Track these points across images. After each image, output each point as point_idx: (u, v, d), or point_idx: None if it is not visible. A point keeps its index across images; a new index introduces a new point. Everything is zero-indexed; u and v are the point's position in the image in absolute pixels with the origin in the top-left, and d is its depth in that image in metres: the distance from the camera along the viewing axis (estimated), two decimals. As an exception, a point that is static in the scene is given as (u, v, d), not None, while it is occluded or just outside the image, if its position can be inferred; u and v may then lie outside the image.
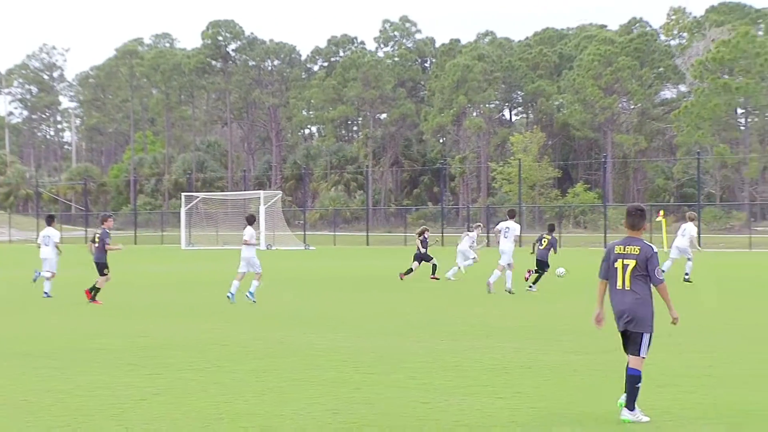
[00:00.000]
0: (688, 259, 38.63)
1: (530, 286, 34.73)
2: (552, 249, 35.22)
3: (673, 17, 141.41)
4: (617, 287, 12.96)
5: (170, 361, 18.21)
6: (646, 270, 12.85)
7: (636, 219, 13.17)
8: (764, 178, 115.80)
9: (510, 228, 33.53)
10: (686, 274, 38.36)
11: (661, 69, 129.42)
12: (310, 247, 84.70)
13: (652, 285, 12.90)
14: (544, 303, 30.43)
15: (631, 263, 12.87)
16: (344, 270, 50.02)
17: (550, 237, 35.38)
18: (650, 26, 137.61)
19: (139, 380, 16.04)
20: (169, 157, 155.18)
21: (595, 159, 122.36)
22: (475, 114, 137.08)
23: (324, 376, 16.40)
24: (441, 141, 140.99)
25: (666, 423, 12.75)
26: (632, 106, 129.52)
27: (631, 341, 12.89)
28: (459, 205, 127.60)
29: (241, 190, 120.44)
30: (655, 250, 12.92)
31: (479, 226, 45.79)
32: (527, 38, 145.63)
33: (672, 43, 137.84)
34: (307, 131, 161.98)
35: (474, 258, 41.99)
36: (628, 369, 12.82)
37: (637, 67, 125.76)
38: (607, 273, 13.08)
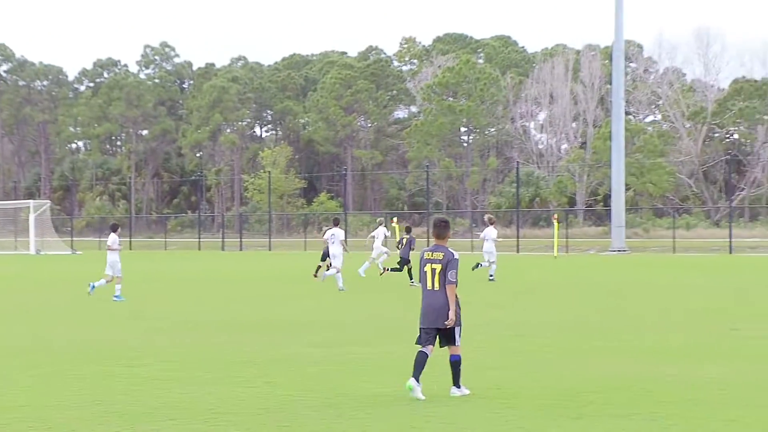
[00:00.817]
0: (492, 262, 38.67)
1: (411, 282, 35.14)
2: (410, 247, 36.81)
3: (405, 46, 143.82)
4: (428, 288, 13.36)
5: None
6: (447, 272, 13.28)
7: (441, 229, 13.62)
8: (484, 188, 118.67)
9: (335, 234, 34.46)
10: (490, 275, 38.42)
11: (394, 92, 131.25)
12: (77, 252, 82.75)
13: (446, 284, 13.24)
14: (299, 299, 30.35)
15: (438, 267, 13.30)
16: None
17: (408, 237, 37.00)
18: (385, 53, 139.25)
19: None
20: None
21: (337, 171, 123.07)
22: (229, 131, 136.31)
23: (86, 369, 15.87)
24: (198, 155, 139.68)
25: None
26: (369, 125, 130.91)
27: (446, 335, 13.31)
28: (215, 213, 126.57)
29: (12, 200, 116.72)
30: (456, 257, 13.35)
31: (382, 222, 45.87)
32: (276, 63, 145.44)
33: (404, 68, 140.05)
34: (74, 145, 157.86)
35: (386, 252, 41.98)
36: (451, 357, 13.29)
37: (373, 90, 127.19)
38: (422, 278, 13.45)
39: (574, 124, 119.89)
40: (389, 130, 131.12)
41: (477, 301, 27.70)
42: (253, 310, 26.61)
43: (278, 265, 55.64)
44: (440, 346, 13.40)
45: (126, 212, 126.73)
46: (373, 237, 42.37)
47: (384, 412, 12.35)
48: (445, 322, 13.19)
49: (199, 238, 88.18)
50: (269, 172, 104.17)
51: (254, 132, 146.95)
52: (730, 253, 65.09)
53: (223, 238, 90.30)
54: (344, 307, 27.76)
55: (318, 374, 15.33)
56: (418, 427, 11.47)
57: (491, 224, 39.82)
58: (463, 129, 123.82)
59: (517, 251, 71.25)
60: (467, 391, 13.45)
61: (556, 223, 67.11)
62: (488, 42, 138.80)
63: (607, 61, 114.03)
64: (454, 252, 13.42)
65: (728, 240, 67.37)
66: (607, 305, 27.87)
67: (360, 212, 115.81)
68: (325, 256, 37.43)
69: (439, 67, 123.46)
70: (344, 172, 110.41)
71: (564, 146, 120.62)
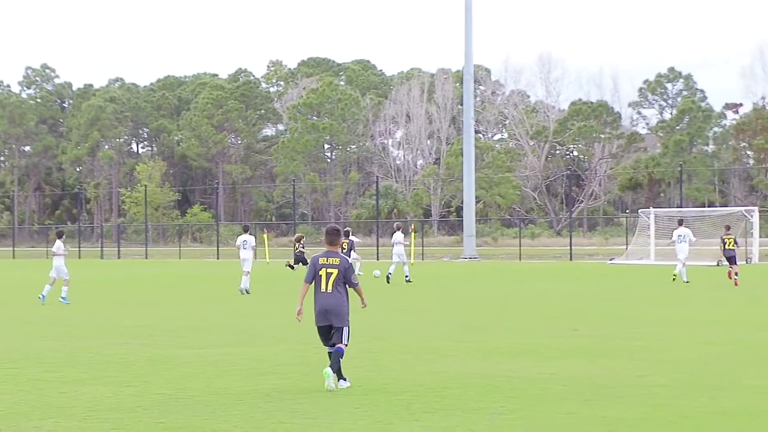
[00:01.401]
0: (404, 263, 41.12)
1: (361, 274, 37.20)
2: (352, 250, 38.78)
3: (272, 69, 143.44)
4: (322, 290, 13.67)
5: None
6: (344, 277, 13.69)
7: (333, 237, 14.03)
8: (346, 200, 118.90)
9: (247, 240, 35.53)
10: (406, 276, 40.85)
11: (263, 111, 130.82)
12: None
13: (348, 287, 13.76)
14: (176, 304, 29.96)
15: (334, 272, 13.66)
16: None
17: (348, 241, 38.25)
18: (254, 76, 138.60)
19: None
20: None
21: (209, 185, 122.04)
22: (107, 147, 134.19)
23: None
24: (78, 170, 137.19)
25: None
26: (239, 141, 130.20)
27: (336, 334, 13.58)
28: (94, 224, 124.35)
29: None
30: (350, 261, 13.99)
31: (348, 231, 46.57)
32: (151, 83, 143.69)
33: (272, 89, 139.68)
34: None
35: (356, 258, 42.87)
36: (336, 349, 13.47)
37: (243, 109, 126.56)
38: (313, 278, 13.75)
39: (428, 142, 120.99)
40: (258, 146, 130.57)
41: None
42: (130, 315, 26.18)
43: (154, 272, 54.89)
44: (326, 345, 13.70)
45: (9, 223, 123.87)
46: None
47: (254, 408, 12.27)
48: (347, 320, 13.62)
49: (80, 248, 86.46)
50: (145, 185, 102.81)
51: (131, 148, 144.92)
52: (571, 260, 66.28)
53: (102, 247, 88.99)
54: (229, 311, 27.48)
55: (192, 374, 15.14)
56: (286, 422, 11.41)
57: (398, 230, 42.14)
58: (326, 146, 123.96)
59: (377, 259, 71.51)
60: (347, 384, 13.61)
61: (412, 233, 67.53)
62: (349, 65, 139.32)
63: (458, 84, 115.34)
64: (348, 258, 13.94)
65: (569, 248, 68.58)
66: (458, 309, 28.12)
67: (231, 223, 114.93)
68: (298, 260, 38.99)
69: (304, 88, 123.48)
70: (216, 186, 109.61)
71: (420, 162, 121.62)
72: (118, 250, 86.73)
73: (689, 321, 23.33)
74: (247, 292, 34.17)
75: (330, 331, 13.62)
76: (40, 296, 30.64)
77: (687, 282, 38.02)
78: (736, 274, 37.97)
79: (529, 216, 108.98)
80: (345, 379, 13.71)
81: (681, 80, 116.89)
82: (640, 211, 65.80)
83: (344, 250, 37.64)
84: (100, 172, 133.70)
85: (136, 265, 67.70)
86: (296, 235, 45.29)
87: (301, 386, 13.70)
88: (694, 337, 19.87)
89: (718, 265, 52.15)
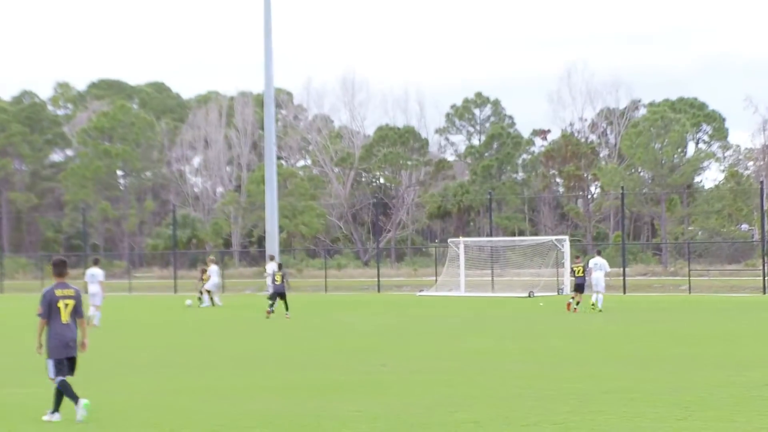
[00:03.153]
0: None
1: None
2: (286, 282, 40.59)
3: (60, 90, 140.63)
4: (62, 322, 14.54)
5: None
6: (77, 308, 14.73)
7: (61, 268, 14.94)
8: (141, 230, 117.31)
9: (95, 274, 35.76)
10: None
11: (50, 135, 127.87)
12: None
13: (78, 318, 14.75)
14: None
15: (71, 303, 14.65)
16: None
17: (281, 273, 40.63)
18: (39, 98, 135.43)
19: None
20: None
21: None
22: None
23: None
24: None
25: None
26: (24, 168, 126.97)
27: (73, 365, 14.70)
28: None
29: None
30: (81, 293, 14.95)
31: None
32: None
33: (60, 112, 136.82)
34: None
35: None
36: (63, 382, 14.47)
37: (28, 133, 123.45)
38: (50, 313, 14.52)
39: (228, 168, 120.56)
40: (45, 173, 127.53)
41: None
42: None
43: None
44: (69, 374, 14.67)
45: None
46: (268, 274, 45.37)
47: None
48: (81, 351, 14.77)
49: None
50: None
51: None
52: (379, 291, 67.01)
53: None
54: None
55: None
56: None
57: (272, 260, 44.68)
58: (119, 172, 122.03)
59: (175, 291, 70.82)
60: (59, 417, 14.51)
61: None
62: (143, 88, 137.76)
63: (259, 108, 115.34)
64: (78, 289, 14.96)
65: (377, 279, 69.36)
66: (260, 344, 28.14)
67: (16, 254, 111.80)
68: (275, 295, 40.00)
69: (94, 111, 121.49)
70: (0, 216, 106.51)
71: (219, 189, 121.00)
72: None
73: (499, 354, 23.94)
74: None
75: (71, 362, 14.64)
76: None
77: (600, 311, 39.28)
78: (577, 303, 39.50)
79: (334, 246, 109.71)
80: (59, 412, 14.62)
81: (489, 105, 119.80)
82: (449, 240, 67.05)
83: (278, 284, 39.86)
84: None
85: None
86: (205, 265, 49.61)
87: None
88: (506, 370, 20.42)
89: (529, 296, 53.66)
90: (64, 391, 14.50)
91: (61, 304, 14.54)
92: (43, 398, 17.05)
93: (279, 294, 40.05)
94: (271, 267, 45.64)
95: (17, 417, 15.31)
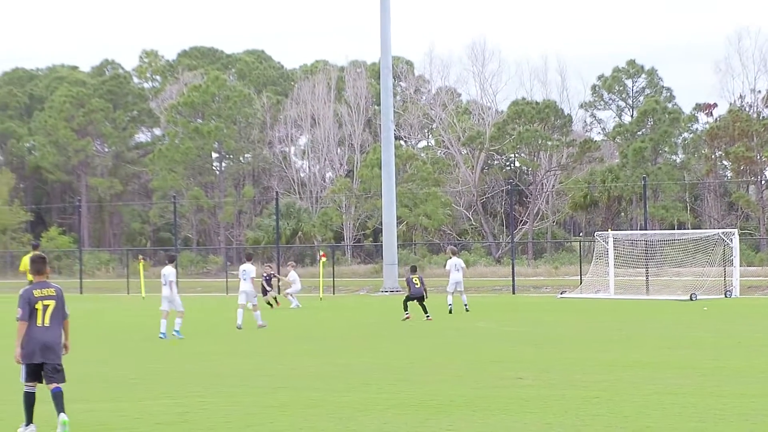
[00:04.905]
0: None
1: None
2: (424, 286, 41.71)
3: (146, 60, 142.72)
4: (38, 325, 14.96)
5: None
6: (61, 308, 15.23)
7: (40, 265, 15.43)
8: (239, 221, 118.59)
9: (246, 270, 37.32)
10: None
11: (135, 112, 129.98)
12: None
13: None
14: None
15: (52, 303, 15.08)
16: None
17: (418, 276, 42.11)
18: (123, 68, 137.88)
19: None
20: None
21: (70, 203, 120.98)
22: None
23: None
24: None
25: None
26: (107, 149, 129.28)
27: (52, 371, 15.01)
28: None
29: None
30: (63, 291, 15.37)
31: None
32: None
33: (146, 85, 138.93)
34: None
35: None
36: (55, 389, 14.95)
37: (110, 110, 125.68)
38: (30, 315, 14.97)
39: (339, 150, 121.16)
40: (130, 155, 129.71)
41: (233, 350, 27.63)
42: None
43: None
44: (45, 383, 15.06)
45: None
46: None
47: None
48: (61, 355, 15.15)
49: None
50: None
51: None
52: (513, 293, 66.85)
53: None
54: (95, 358, 27.37)
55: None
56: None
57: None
58: (214, 155, 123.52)
59: (278, 292, 71.50)
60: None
61: (322, 260, 67.75)
62: (240, 57, 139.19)
63: (374, 80, 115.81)
64: (61, 287, 15.40)
65: (511, 279, 69.18)
66: (376, 353, 28.29)
67: (98, 249, 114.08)
68: (413, 298, 41.34)
69: (186, 84, 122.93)
70: (78, 204, 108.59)
71: (328, 174, 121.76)
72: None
73: (655, 366, 23.73)
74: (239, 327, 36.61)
75: (49, 369, 15.00)
76: (160, 334, 33.28)
77: None
78: (408, 316, 40.49)
79: (462, 240, 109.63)
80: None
81: (643, 75, 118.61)
82: (596, 234, 66.60)
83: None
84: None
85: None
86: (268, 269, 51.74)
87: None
88: (664, 385, 20.24)
89: (691, 299, 53.11)
90: (24, 401, 15.13)
91: (39, 305, 15.00)
92: (128, 413, 17.38)
93: (417, 297, 40.96)
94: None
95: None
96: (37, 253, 16.19)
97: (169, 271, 34.51)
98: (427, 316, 40.36)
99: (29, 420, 15.08)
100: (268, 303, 50.41)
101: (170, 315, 34.07)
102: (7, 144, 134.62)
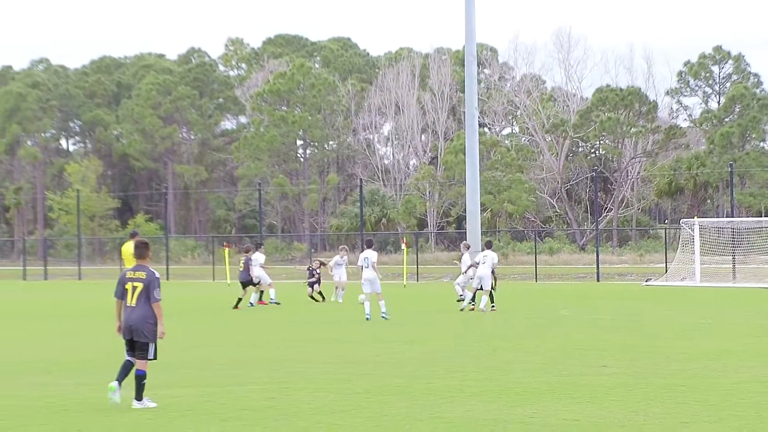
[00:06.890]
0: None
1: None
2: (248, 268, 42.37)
3: (232, 48, 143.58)
4: (128, 304, 16.35)
5: None
6: (147, 292, 16.32)
7: (141, 250, 16.69)
8: (324, 208, 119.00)
9: (368, 257, 35.81)
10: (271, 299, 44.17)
11: (221, 99, 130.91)
12: None
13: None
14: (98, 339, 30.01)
15: (140, 286, 16.32)
16: None
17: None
18: (209, 56, 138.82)
19: None
20: None
21: (156, 190, 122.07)
22: (30, 143, 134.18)
23: None
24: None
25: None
26: (192, 137, 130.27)
27: (138, 348, 16.31)
28: (14, 237, 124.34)
29: None
30: (157, 276, 16.47)
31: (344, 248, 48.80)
32: (84, 66, 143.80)
33: (231, 73, 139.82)
34: None
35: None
36: (136, 371, 16.22)
37: (196, 97, 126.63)
38: (122, 294, 16.43)
39: (422, 137, 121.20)
40: (215, 143, 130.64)
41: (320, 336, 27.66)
42: (50, 348, 26.23)
43: (88, 296, 54.88)
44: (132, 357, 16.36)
45: None
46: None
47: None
48: (153, 336, 16.27)
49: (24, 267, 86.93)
50: (78, 190, 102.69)
51: (59, 145, 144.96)
52: (598, 280, 66.45)
53: (24, 265, 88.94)
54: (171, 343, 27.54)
55: (141, 422, 15.29)
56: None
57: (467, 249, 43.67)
58: (299, 142, 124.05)
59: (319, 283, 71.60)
60: (152, 404, 16.23)
61: (405, 248, 67.73)
62: (326, 44, 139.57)
63: (458, 67, 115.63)
64: (155, 272, 16.50)
65: (595, 266, 68.77)
66: (463, 339, 28.26)
67: (183, 236, 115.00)
68: (247, 283, 41.85)
69: (271, 72, 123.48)
70: (164, 191, 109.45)
71: (412, 161, 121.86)
72: (45, 269, 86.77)
73: (742, 355, 23.49)
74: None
75: (135, 345, 16.34)
76: (366, 316, 34.50)
77: None
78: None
79: (546, 227, 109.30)
80: (141, 400, 16.20)
81: (730, 61, 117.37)
82: (682, 221, 66.04)
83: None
84: (22, 174, 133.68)
85: (65, 288, 67.72)
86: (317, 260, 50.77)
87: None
88: (751, 375, 20.02)
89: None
90: (122, 365, 16.50)
91: (129, 286, 16.41)
92: (214, 399, 17.50)
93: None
94: (477, 256, 44.00)
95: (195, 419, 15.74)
96: (140, 238, 17.37)
97: (370, 254, 35.51)
98: (492, 307, 39.08)
99: (118, 380, 16.36)
100: (312, 297, 47.08)
101: (372, 298, 35.17)
102: (95, 132, 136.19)
